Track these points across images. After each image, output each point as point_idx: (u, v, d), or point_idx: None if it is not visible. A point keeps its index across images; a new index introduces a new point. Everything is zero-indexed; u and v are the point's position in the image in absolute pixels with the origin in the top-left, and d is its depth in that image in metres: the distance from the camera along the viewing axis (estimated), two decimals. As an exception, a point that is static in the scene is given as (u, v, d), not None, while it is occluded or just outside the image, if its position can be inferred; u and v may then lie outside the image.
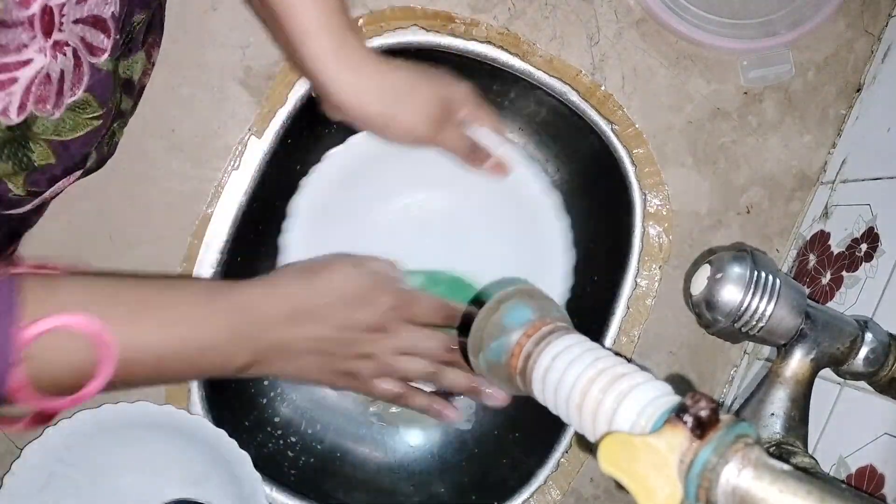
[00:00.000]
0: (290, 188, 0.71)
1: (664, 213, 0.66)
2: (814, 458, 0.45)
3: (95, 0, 0.45)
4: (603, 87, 0.65)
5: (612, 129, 0.66)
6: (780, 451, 0.46)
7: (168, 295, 0.49)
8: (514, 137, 0.74)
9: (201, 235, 0.62)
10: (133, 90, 0.55)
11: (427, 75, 0.56)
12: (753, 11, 0.64)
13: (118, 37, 0.48)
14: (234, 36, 0.62)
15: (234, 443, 0.60)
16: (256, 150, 0.62)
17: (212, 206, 0.62)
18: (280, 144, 0.63)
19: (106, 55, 0.48)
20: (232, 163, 0.62)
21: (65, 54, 0.44)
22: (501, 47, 0.64)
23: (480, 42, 0.64)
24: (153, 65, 0.57)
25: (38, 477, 0.58)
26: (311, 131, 0.68)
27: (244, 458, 0.60)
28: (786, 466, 0.32)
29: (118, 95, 0.52)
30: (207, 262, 0.62)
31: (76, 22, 0.44)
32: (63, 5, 0.43)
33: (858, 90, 0.67)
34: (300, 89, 0.63)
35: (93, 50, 0.47)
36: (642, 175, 0.66)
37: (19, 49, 0.42)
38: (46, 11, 0.42)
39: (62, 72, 0.45)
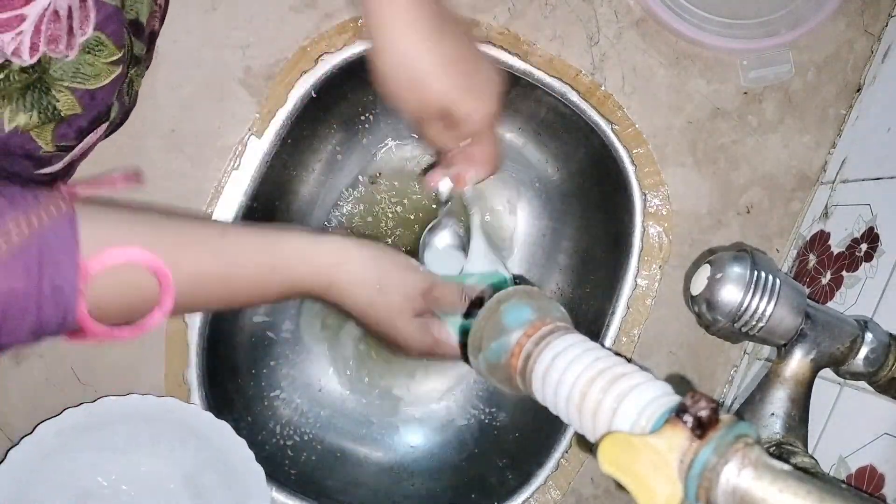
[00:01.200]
0: (290, 188, 0.71)
1: (664, 213, 0.66)
2: (814, 458, 0.45)
3: None
4: (603, 87, 0.65)
5: (612, 129, 0.66)
6: (780, 451, 0.46)
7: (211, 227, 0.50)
8: (514, 137, 0.74)
9: (201, 235, 0.62)
10: (142, 33, 0.54)
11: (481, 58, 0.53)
12: (753, 11, 0.64)
13: None
14: (234, 36, 0.62)
15: (237, 437, 0.60)
16: (256, 150, 0.62)
17: (212, 206, 0.62)
18: (280, 144, 0.63)
19: None
20: (232, 163, 0.62)
21: None
22: (501, 47, 0.64)
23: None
24: (160, 7, 0.57)
25: (34, 470, 0.58)
26: (311, 131, 0.68)
27: (247, 453, 0.60)
28: (786, 466, 0.32)
29: (128, 38, 0.51)
30: (207, 262, 0.62)
31: None
32: None
33: (858, 90, 0.67)
34: (300, 89, 0.63)
35: None
36: (642, 175, 0.66)
37: None
38: None
39: (69, 8, 0.44)
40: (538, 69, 0.65)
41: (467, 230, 0.60)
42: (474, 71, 0.51)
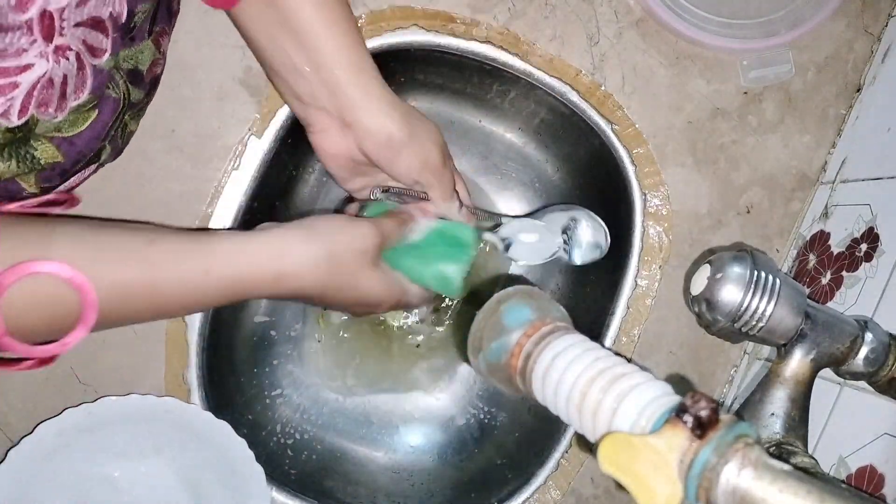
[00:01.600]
0: (290, 188, 0.71)
1: (664, 213, 0.66)
2: (814, 458, 0.45)
3: (95, 2, 0.44)
4: (603, 87, 0.65)
5: (612, 129, 0.66)
6: (780, 451, 0.46)
7: (124, 234, 0.48)
8: (514, 137, 0.74)
9: (201, 235, 0.62)
10: (141, 80, 0.54)
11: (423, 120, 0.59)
12: (753, 11, 0.64)
13: (116, 34, 0.48)
14: (235, 36, 0.62)
15: (237, 437, 0.60)
16: (256, 150, 0.62)
17: (212, 206, 0.62)
18: (280, 144, 0.63)
19: (107, 55, 0.47)
20: (232, 163, 0.62)
21: (67, 59, 0.44)
22: (501, 47, 0.64)
23: (480, 42, 0.64)
24: (164, 54, 0.57)
25: (34, 470, 0.58)
26: (311, 131, 0.68)
27: (247, 453, 0.60)
28: (786, 466, 0.32)
29: (125, 87, 0.52)
30: (207, 262, 0.62)
31: (77, 25, 0.44)
32: (63, 9, 0.42)
33: (858, 90, 0.67)
34: (300, 89, 0.63)
35: (94, 52, 0.46)
36: (642, 175, 0.66)
37: (18, 54, 0.41)
38: (46, 16, 0.41)
39: (65, 76, 0.45)
40: (538, 69, 0.65)
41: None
42: (422, 131, 0.57)
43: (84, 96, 0.47)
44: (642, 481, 0.32)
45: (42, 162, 0.47)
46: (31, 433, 0.58)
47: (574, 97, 0.65)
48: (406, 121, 0.56)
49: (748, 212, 0.67)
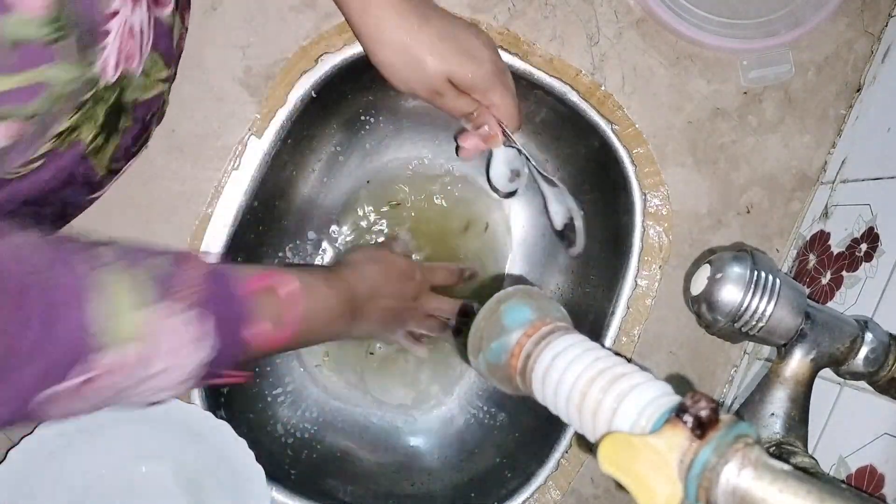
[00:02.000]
0: (291, 188, 0.71)
1: (664, 213, 0.66)
2: (814, 458, 0.45)
3: None
4: (603, 87, 0.65)
5: (612, 129, 0.66)
6: (780, 451, 0.46)
7: (311, 273, 0.58)
8: (513, 137, 0.74)
9: (201, 235, 0.62)
10: (173, 53, 0.55)
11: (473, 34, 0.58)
12: (753, 11, 0.64)
13: None
14: (234, 36, 0.62)
15: (238, 438, 0.60)
16: (256, 150, 0.62)
17: (212, 206, 0.62)
18: (280, 144, 0.63)
19: (170, 7, 0.49)
20: (232, 163, 0.62)
21: (140, 6, 0.45)
22: (501, 47, 0.64)
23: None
24: (186, 29, 0.58)
25: (35, 470, 0.58)
26: (311, 131, 0.68)
27: (247, 453, 0.60)
28: (786, 466, 0.32)
29: (173, 42, 0.53)
30: (207, 262, 0.62)
31: None
32: None
33: (858, 90, 0.67)
34: (300, 89, 0.63)
35: (158, 1, 0.48)
36: (642, 175, 0.66)
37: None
38: None
39: (141, 28, 0.45)
40: (538, 69, 0.65)
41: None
42: (464, 38, 0.57)
43: (149, 48, 0.48)
44: (642, 481, 0.32)
45: (119, 126, 0.49)
46: (31, 433, 0.58)
47: (574, 97, 0.65)
48: (419, 22, 0.54)
49: (748, 212, 0.67)
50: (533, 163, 0.62)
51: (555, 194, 0.64)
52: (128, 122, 0.49)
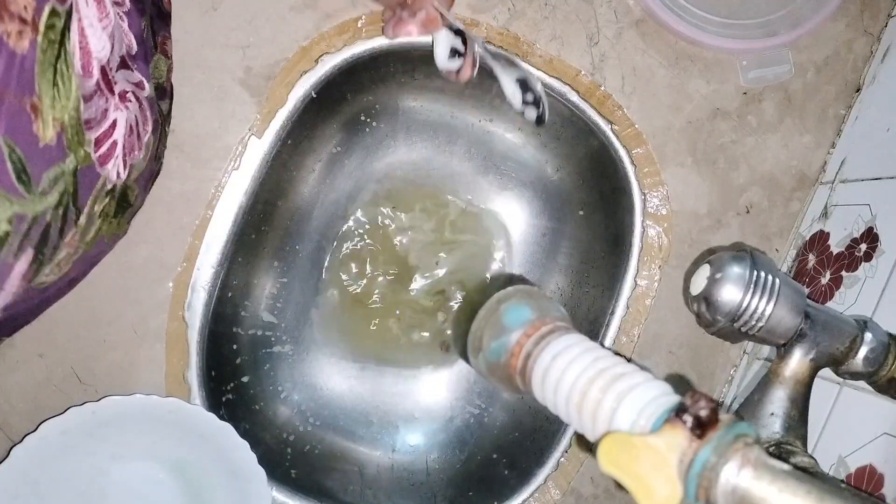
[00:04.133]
0: (291, 188, 0.71)
1: (664, 213, 0.66)
2: (813, 458, 0.45)
3: (117, 45, 0.46)
4: (603, 87, 0.65)
5: (611, 129, 0.66)
6: (779, 451, 0.46)
7: None
8: (514, 137, 0.74)
9: (201, 235, 0.62)
10: (165, 92, 0.57)
11: None
12: (753, 11, 0.64)
13: (139, 63, 0.51)
14: (234, 36, 0.62)
15: (240, 439, 0.60)
16: (256, 150, 0.63)
17: (212, 206, 0.62)
18: (280, 144, 0.63)
19: (147, 84, 0.51)
20: (232, 163, 0.62)
21: (130, 101, 0.47)
22: (501, 47, 0.64)
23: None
24: (171, 59, 0.58)
25: (38, 468, 0.58)
26: (311, 131, 0.68)
27: (249, 455, 0.60)
28: (785, 466, 0.32)
29: (158, 105, 0.55)
30: (207, 262, 0.62)
31: (118, 70, 0.47)
32: (108, 60, 0.45)
33: (858, 90, 0.67)
34: (300, 89, 0.63)
35: (139, 85, 0.50)
36: (642, 175, 0.66)
37: (105, 115, 0.44)
38: (103, 72, 0.44)
39: (136, 118, 0.48)
40: (538, 69, 0.65)
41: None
42: None
43: (150, 127, 0.51)
44: (642, 481, 0.32)
45: (131, 201, 0.53)
46: (34, 431, 0.58)
47: (574, 97, 0.66)
48: None
49: (748, 212, 0.67)
50: (477, 40, 0.61)
51: (504, 69, 0.62)
52: (132, 190, 0.53)
